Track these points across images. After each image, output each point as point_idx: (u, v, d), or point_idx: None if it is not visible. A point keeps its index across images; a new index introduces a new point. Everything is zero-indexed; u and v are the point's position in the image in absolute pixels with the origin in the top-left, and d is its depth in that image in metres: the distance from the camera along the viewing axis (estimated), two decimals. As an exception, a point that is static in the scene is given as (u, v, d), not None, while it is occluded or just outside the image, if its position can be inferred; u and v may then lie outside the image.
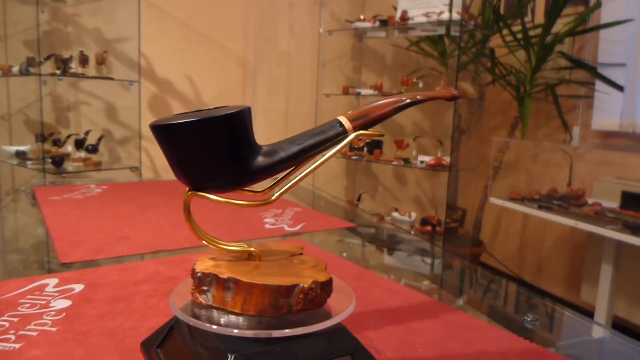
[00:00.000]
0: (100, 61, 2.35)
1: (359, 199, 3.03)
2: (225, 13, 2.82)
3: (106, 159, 2.53)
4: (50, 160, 2.22)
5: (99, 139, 2.42)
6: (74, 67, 2.29)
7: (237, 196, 0.46)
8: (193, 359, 0.42)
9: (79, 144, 2.36)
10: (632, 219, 1.74)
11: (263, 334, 0.40)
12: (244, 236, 0.98)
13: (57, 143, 2.35)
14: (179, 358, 0.44)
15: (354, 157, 2.83)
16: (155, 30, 2.56)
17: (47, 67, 2.25)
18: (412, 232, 2.49)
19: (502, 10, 2.63)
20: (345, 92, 2.85)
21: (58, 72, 2.23)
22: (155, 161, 2.64)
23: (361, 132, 0.47)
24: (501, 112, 2.87)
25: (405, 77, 2.65)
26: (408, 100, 0.47)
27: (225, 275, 0.42)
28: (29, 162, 2.27)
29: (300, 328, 0.41)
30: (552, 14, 2.31)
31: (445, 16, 2.39)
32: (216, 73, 2.83)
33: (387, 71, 3.15)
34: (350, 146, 2.72)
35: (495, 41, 2.56)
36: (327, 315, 0.43)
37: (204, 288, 0.44)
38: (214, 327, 0.40)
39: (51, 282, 0.68)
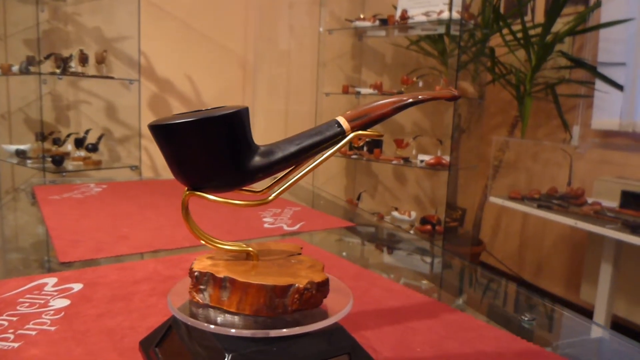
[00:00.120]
0: (100, 60, 2.35)
1: (358, 198, 3.03)
2: (225, 13, 2.82)
3: (106, 158, 2.53)
4: (50, 159, 2.22)
5: (99, 138, 2.42)
6: (74, 66, 2.30)
7: (236, 196, 0.46)
8: (191, 358, 0.42)
9: (79, 143, 2.36)
10: (631, 219, 1.74)
11: (260, 333, 0.40)
12: (243, 235, 0.98)
13: (57, 142, 2.35)
14: (177, 357, 0.44)
15: (354, 157, 2.83)
16: (155, 29, 2.56)
17: (47, 66, 2.25)
18: (412, 232, 2.50)
19: (502, 10, 2.63)
20: (345, 91, 2.85)
21: (58, 71, 2.23)
22: (155, 160, 2.64)
23: (359, 132, 0.47)
24: (501, 112, 2.87)
25: (405, 76, 2.65)
26: (408, 101, 0.47)
27: (221, 275, 0.43)
28: (28, 161, 2.27)
29: (297, 328, 0.41)
30: (552, 13, 2.31)
31: (445, 15, 2.39)
32: (216, 72, 2.83)
33: (387, 70, 3.15)
34: (350, 145, 2.70)
35: (495, 40, 2.55)
36: (324, 315, 0.43)
37: (201, 287, 0.44)
38: (212, 326, 0.40)
39: (50, 281, 0.68)
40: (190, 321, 0.41)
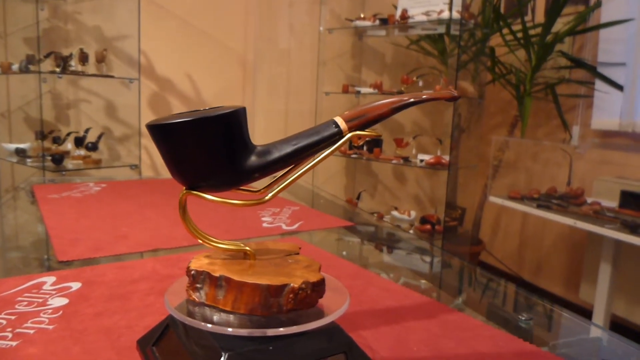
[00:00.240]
0: (100, 59, 2.35)
1: (358, 198, 3.03)
2: (225, 12, 2.82)
3: (106, 157, 2.53)
4: (50, 157, 2.23)
5: (99, 137, 2.42)
6: (74, 64, 2.30)
7: (233, 195, 0.46)
8: (188, 357, 0.42)
9: (79, 142, 2.36)
10: (631, 218, 1.74)
11: (257, 332, 0.40)
12: (242, 235, 0.98)
13: (57, 141, 2.35)
14: (174, 356, 0.45)
15: (354, 156, 2.83)
16: (155, 28, 2.56)
17: (47, 65, 2.25)
18: (412, 231, 2.50)
19: (502, 9, 2.63)
20: (345, 90, 2.85)
21: (58, 69, 2.23)
22: (155, 159, 2.64)
23: (357, 132, 0.47)
24: (501, 111, 2.87)
25: (405, 76, 2.65)
26: (407, 101, 0.47)
27: (217, 274, 0.43)
28: (28, 160, 2.27)
29: (294, 327, 0.41)
30: (552, 13, 2.30)
31: (446, 15, 2.39)
32: (216, 72, 2.83)
33: (387, 70, 3.15)
34: (350, 145, 2.72)
35: (495, 40, 2.55)
36: (321, 314, 0.43)
37: (198, 286, 0.44)
38: (209, 325, 0.40)
39: (49, 280, 0.68)
40: (187, 320, 0.42)
